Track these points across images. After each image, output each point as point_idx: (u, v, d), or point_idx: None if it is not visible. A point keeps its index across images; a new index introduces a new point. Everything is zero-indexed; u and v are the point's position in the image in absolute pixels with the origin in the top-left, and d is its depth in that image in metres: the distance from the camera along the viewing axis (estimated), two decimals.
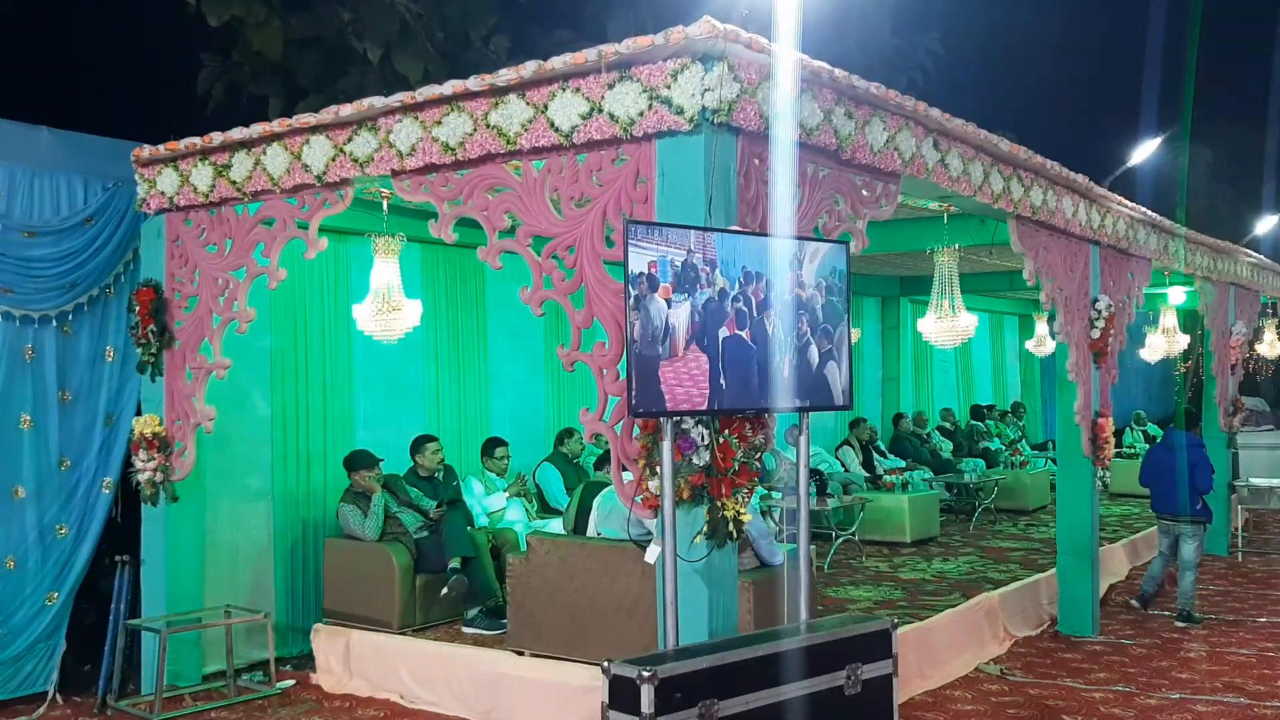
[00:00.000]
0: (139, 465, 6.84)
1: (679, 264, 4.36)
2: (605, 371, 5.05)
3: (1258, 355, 13.90)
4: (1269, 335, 14.06)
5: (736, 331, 4.53)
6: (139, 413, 7.00)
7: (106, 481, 7.12)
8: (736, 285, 4.54)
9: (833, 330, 4.89)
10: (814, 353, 4.83)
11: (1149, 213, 9.33)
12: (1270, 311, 14.18)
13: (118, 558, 6.90)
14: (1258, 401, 19.33)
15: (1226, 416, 11.84)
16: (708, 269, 4.44)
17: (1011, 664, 7.48)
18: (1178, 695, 6.71)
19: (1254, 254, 12.90)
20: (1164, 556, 9.00)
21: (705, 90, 4.74)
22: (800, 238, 4.99)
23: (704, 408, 4.44)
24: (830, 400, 4.92)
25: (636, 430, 4.90)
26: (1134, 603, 9.06)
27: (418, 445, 8.05)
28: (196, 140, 6.58)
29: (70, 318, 7.00)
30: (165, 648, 6.50)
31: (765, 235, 4.88)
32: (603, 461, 8.13)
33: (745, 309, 4.56)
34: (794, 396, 4.74)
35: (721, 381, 4.46)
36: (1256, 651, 7.74)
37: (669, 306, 4.33)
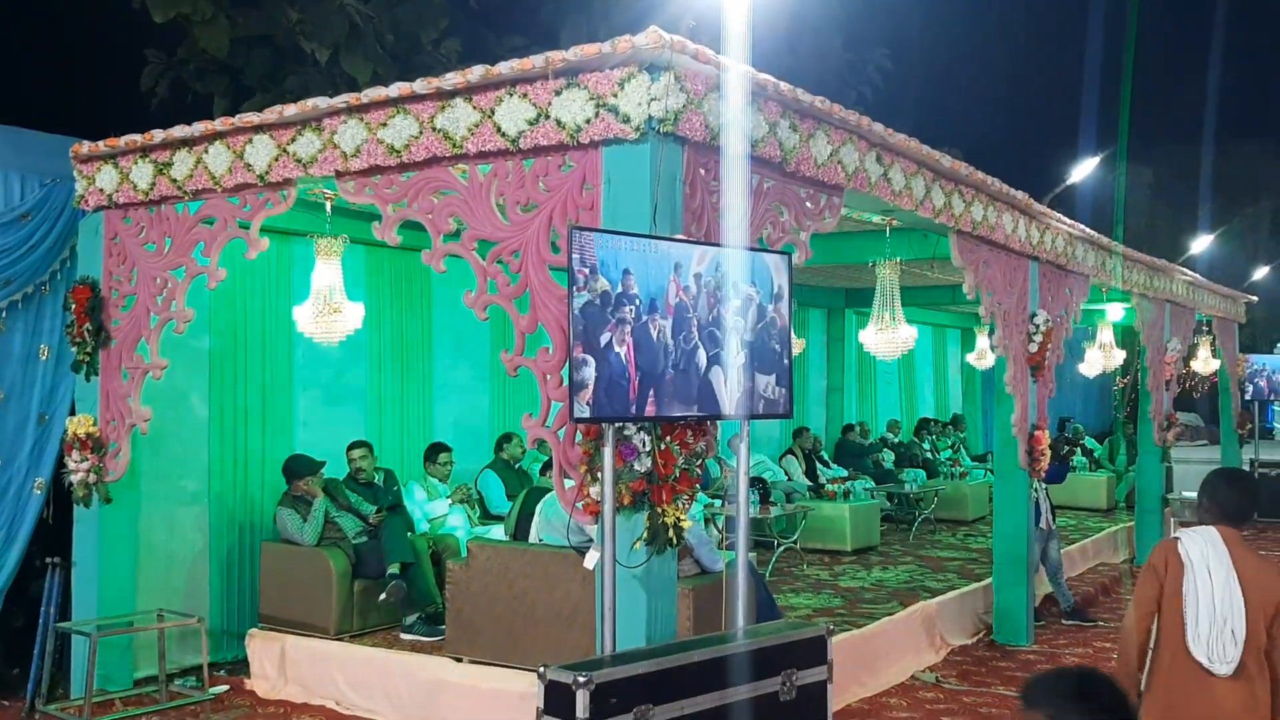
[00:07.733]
0: (72, 466, 6.71)
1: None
2: (549, 377, 5.04)
3: (1193, 371, 14.19)
4: (1203, 352, 14.35)
5: (667, 337, 4.53)
6: (73, 412, 6.87)
7: (38, 482, 6.98)
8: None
9: (769, 339, 4.92)
10: (744, 360, 4.84)
11: (1087, 230, 9.50)
12: (1205, 328, 14.48)
13: (48, 560, 6.77)
14: (1192, 417, 19.76)
15: (1161, 431, 12.06)
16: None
17: (947, 672, 7.57)
18: None
19: (1190, 272, 13.17)
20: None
21: (652, 99, 4.77)
22: (745, 248, 5.02)
23: (645, 414, 4.45)
24: (761, 409, 4.93)
25: (579, 436, 4.90)
26: (1065, 622, 9.17)
27: (348, 451, 8.01)
28: (137, 137, 6.48)
29: (4, 315, 6.86)
30: (96, 651, 6.37)
31: (710, 244, 4.90)
32: (548, 467, 8.09)
33: (688, 316, 4.58)
34: (722, 406, 4.74)
35: (652, 390, 4.47)
36: None
37: None
